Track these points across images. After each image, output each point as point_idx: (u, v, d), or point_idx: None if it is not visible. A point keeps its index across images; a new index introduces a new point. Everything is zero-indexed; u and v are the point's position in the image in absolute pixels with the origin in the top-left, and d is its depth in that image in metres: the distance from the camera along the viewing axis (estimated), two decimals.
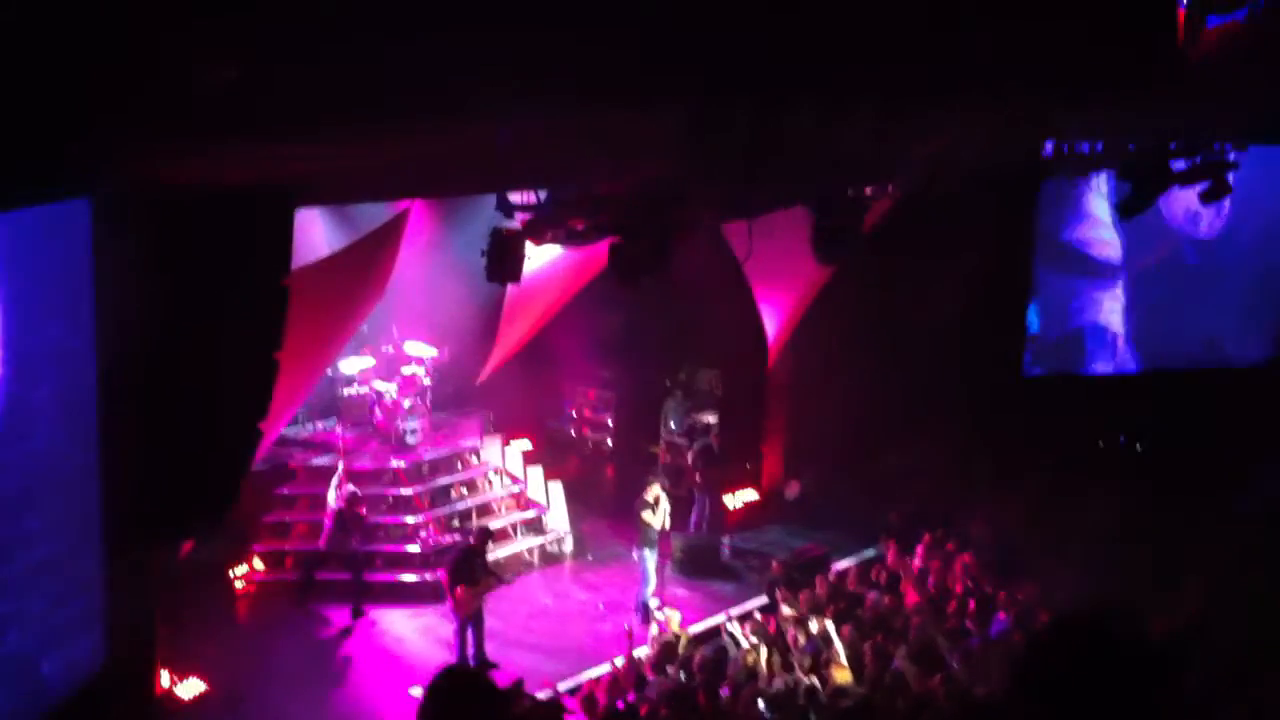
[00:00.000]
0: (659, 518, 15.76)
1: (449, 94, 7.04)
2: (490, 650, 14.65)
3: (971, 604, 14.12)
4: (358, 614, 15.22)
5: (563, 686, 13.24)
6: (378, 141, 8.29)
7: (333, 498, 15.35)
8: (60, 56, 5.91)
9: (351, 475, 16.82)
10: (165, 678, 13.00)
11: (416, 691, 13.50)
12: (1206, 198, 14.36)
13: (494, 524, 17.34)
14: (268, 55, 6.25)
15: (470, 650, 14.28)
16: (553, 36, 6.80)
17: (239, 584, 15.22)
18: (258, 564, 15.75)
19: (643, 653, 13.62)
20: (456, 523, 16.73)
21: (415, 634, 15.12)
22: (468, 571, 14.09)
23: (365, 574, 15.50)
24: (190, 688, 13.06)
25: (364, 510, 15.44)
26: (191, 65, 5.89)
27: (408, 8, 6.35)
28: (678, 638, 14.01)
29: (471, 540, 14.64)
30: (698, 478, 18.16)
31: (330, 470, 16.10)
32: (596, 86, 7.49)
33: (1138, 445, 20.25)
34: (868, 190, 11.84)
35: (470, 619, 14.22)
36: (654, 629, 14.89)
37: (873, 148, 9.96)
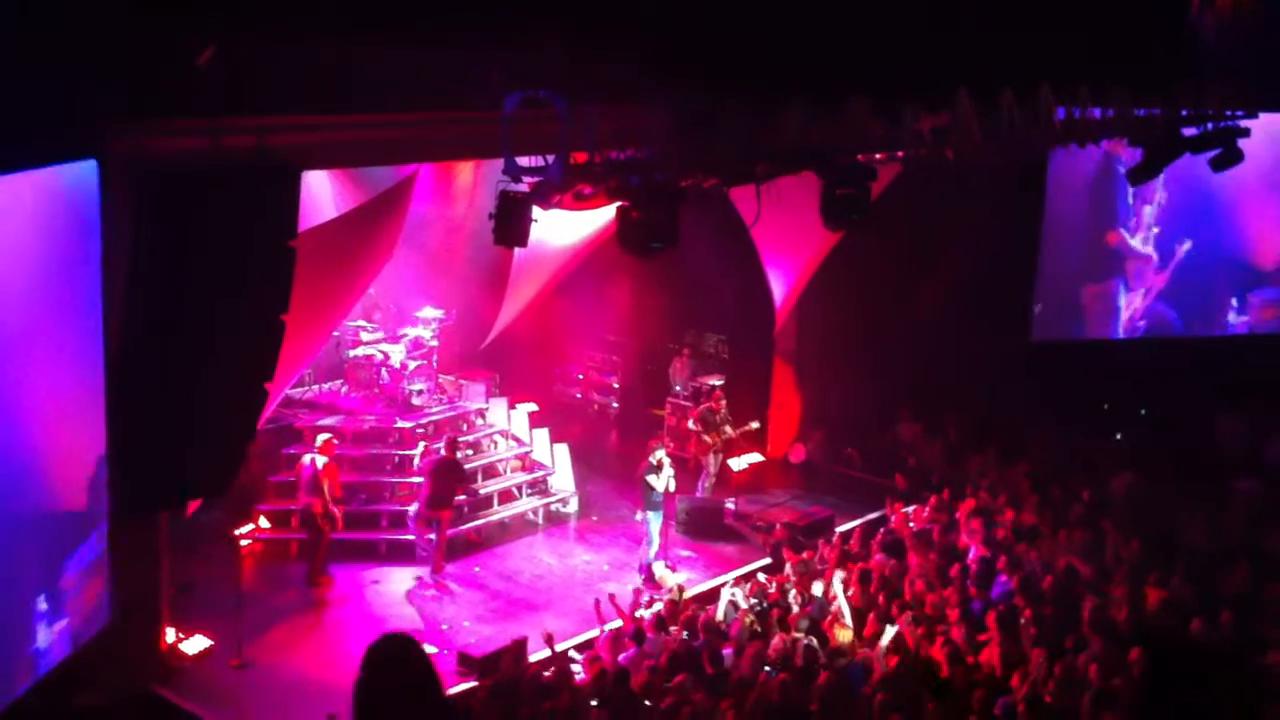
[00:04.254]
0: (663, 480, 15.80)
1: (443, 89, 7.10)
2: (495, 609, 14.78)
3: (974, 567, 14.19)
4: (311, 581, 15.19)
5: (566, 645, 13.32)
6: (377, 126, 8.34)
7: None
8: (68, 32, 5.94)
9: (357, 436, 16.92)
10: (170, 635, 13.09)
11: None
12: (1217, 165, 14.31)
13: (499, 485, 17.46)
14: (266, 45, 6.29)
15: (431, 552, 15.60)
16: (543, 38, 6.85)
17: (244, 543, 15.29)
18: (264, 523, 15.82)
19: (647, 613, 13.68)
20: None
21: (419, 592, 15.21)
22: (446, 480, 15.43)
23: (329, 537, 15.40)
24: (195, 644, 13.15)
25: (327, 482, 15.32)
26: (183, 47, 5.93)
27: (410, 9, 6.39)
28: (680, 598, 14.10)
29: (444, 451, 15.65)
30: (700, 440, 18.17)
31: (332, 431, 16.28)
32: (588, 84, 7.54)
33: (1142, 411, 20.31)
34: (877, 156, 11.80)
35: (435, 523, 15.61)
36: (642, 581, 15.27)
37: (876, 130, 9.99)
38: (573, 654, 13.23)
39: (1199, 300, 19.21)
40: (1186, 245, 19.02)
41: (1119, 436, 19.68)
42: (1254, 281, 19.17)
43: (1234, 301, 19.01)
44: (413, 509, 15.89)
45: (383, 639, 3.91)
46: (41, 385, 8.30)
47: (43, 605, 8.36)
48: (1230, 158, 14.06)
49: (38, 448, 8.25)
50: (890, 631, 12.29)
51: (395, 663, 3.85)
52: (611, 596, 13.64)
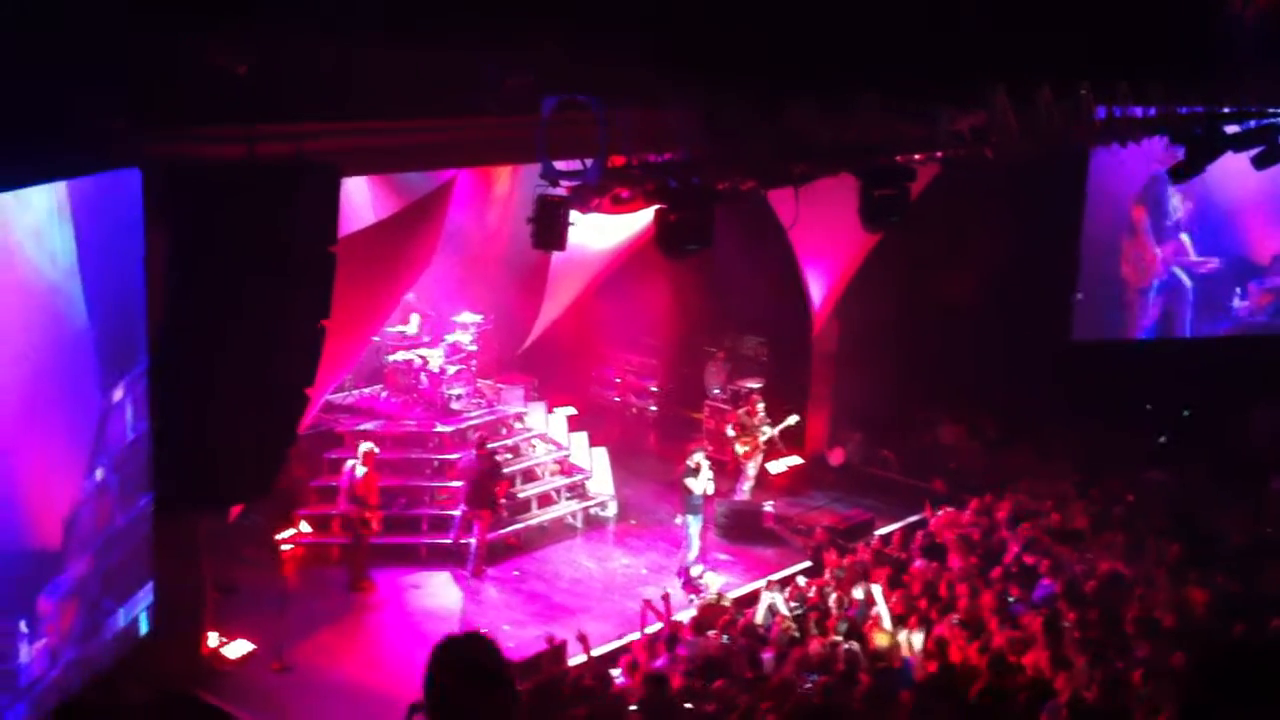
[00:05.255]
0: (701, 483, 15.79)
1: (475, 93, 7.14)
2: (534, 613, 14.82)
3: (1015, 569, 14.09)
4: (353, 585, 15.26)
5: (605, 649, 13.31)
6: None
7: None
8: (108, 42, 6.01)
9: (396, 441, 16.98)
10: (213, 639, 13.18)
11: None
12: (1260, 163, 14.15)
13: (538, 488, 17.49)
14: (302, 52, 6.35)
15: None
16: (576, 43, 6.87)
17: (286, 547, 15.38)
18: (305, 527, 15.90)
19: (685, 617, 13.66)
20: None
21: (459, 596, 15.26)
22: (489, 485, 15.70)
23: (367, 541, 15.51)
24: (237, 648, 13.24)
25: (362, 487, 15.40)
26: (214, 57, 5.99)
27: (439, 17, 6.43)
28: (719, 602, 14.07)
29: (477, 452, 15.80)
30: (737, 445, 18.11)
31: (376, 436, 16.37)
32: (621, 88, 7.55)
33: (1185, 412, 20.15)
34: (916, 156, 11.74)
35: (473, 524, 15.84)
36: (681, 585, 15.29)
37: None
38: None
39: (1207, 291, 20.39)
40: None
41: (1163, 440, 19.57)
42: (1253, 273, 20.50)
43: (1238, 290, 20.39)
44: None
45: (452, 639, 3.91)
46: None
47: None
48: (1273, 155, 13.90)
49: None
50: (907, 636, 12.23)
51: (466, 661, 3.84)
52: (665, 597, 13.60)
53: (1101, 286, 19.78)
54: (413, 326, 18.28)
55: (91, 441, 9.29)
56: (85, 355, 9.02)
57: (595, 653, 12.76)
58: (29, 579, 8.81)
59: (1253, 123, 13.75)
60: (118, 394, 9.43)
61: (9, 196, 7.69)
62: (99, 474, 9.41)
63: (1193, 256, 19.88)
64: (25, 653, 8.79)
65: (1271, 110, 13.90)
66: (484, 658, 3.84)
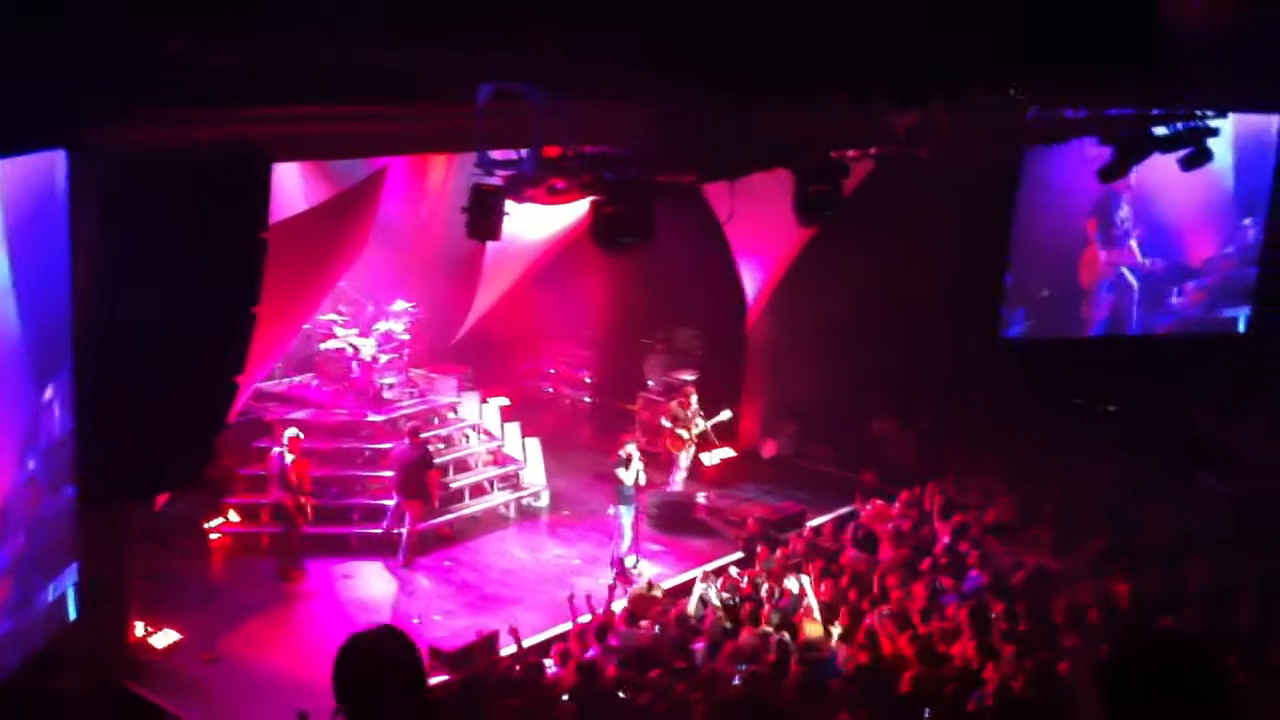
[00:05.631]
0: (632, 474, 15.83)
1: (423, 81, 7.10)
2: (466, 603, 14.77)
3: (944, 560, 14.24)
4: (283, 575, 15.13)
5: (536, 640, 13.31)
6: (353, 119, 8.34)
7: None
8: (34, 17, 5.90)
9: (327, 430, 16.84)
10: (139, 628, 13.01)
11: None
12: (1188, 164, 14.40)
13: (470, 479, 17.43)
14: (242, 36, 6.28)
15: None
16: (528, 33, 6.84)
17: (214, 536, 15.21)
18: (233, 516, 15.74)
19: (617, 607, 13.69)
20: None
21: (391, 586, 15.17)
22: (420, 475, 15.63)
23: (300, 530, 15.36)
24: (164, 638, 13.08)
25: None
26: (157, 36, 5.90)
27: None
28: (650, 592, 14.11)
29: (410, 441, 15.74)
30: (673, 436, 18.16)
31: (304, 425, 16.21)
32: (574, 80, 7.53)
33: (1109, 408, 20.46)
34: (850, 153, 11.84)
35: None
36: (614, 575, 15.25)
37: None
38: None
39: (1150, 290, 20.71)
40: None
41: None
42: (1190, 275, 20.85)
43: (1174, 289, 20.73)
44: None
45: (356, 636, 3.85)
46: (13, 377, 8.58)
47: (12, 598, 8.88)
48: (1201, 157, 14.17)
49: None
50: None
51: (372, 660, 3.79)
52: (611, 589, 13.64)
53: (1053, 286, 20.03)
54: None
55: (24, 437, 9.34)
56: (19, 363, 9.12)
57: (527, 643, 12.75)
58: None
59: (1181, 125, 13.99)
60: (48, 393, 9.50)
61: None
62: (30, 465, 9.46)
63: (1140, 259, 20.27)
64: None
65: (1200, 112, 14.15)
66: (392, 652, 3.81)
